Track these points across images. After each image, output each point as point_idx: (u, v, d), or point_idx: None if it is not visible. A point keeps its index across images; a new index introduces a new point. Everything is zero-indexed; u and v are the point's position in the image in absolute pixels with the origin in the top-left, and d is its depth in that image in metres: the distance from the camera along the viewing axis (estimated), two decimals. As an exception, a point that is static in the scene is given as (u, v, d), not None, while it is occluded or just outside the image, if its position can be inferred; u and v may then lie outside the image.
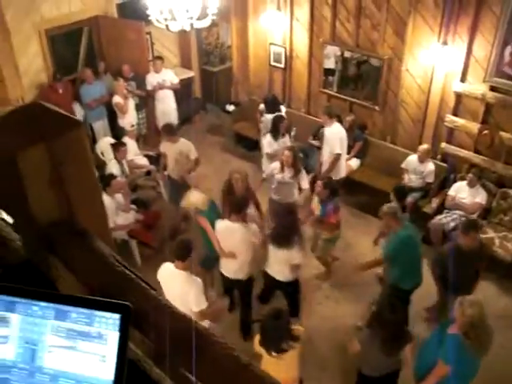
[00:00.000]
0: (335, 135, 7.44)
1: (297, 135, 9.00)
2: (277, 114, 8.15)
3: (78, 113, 8.66)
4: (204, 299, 4.75)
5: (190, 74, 10.90)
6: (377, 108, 8.46)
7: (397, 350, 4.26)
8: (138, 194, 7.87)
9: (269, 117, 8.50)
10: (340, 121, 7.80)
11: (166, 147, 7.47)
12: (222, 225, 5.54)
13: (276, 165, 6.88)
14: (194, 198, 5.90)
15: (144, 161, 8.45)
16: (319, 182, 6.38)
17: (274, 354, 4.19)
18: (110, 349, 1.02)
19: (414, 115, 8.11)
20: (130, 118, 8.68)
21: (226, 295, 6.29)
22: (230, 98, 10.92)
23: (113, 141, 8.31)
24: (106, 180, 6.69)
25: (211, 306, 4.98)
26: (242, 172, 6.38)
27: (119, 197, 6.80)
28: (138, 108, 9.30)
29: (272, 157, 7.49)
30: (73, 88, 8.81)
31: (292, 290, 6.06)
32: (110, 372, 1.02)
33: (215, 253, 5.78)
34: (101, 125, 9.09)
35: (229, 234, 5.46)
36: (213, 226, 5.70)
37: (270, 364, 4.21)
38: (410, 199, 7.58)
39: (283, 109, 8.78)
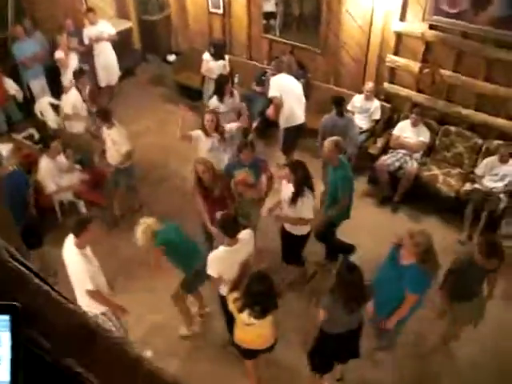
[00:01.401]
0: (275, 81, 7.31)
1: (240, 82, 8.89)
2: (221, 73, 7.95)
3: (11, 87, 8.28)
4: (88, 281, 4.58)
5: (128, 24, 10.51)
6: (318, 51, 8.39)
7: (358, 308, 4.37)
8: (81, 152, 7.66)
9: (215, 64, 8.37)
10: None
11: (104, 132, 6.85)
12: (221, 254, 4.73)
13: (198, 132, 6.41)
14: (139, 232, 5.06)
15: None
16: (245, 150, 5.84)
17: (259, 315, 4.31)
18: (3, 350, 0.99)
19: (356, 56, 8.09)
20: (71, 75, 8.33)
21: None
22: (170, 47, 10.62)
23: (52, 100, 8.02)
24: (46, 141, 6.49)
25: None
26: (205, 162, 5.63)
27: (61, 158, 6.60)
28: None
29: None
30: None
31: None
32: (5, 373, 0.99)
33: (192, 268, 5.28)
34: (38, 84, 8.73)
35: (229, 259, 4.74)
36: (174, 240, 5.17)
37: (253, 327, 4.43)
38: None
39: (226, 56, 8.61)
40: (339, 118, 6.97)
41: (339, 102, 6.99)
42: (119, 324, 5.02)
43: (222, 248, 4.73)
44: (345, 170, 5.87)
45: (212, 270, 4.71)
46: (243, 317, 4.38)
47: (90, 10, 9.03)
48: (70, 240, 4.66)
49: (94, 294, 4.65)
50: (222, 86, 7.29)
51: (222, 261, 4.70)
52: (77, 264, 4.57)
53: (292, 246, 5.97)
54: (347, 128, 6.96)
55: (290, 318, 5.72)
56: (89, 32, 8.86)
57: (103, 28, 8.99)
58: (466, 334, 5.44)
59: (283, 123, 7.41)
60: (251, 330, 4.52)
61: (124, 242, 6.64)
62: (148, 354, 5.39)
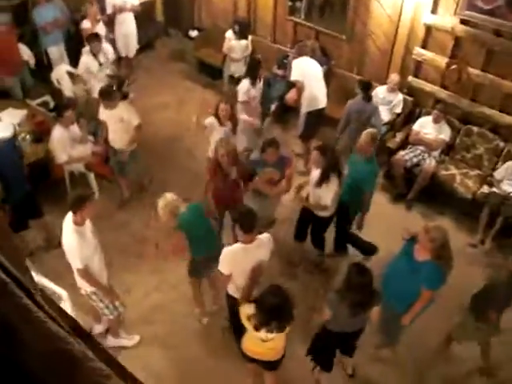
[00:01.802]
0: (297, 64, 7.13)
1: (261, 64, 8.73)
2: (254, 56, 7.77)
3: (25, 53, 8.14)
4: (78, 261, 4.49)
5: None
6: (344, 37, 8.17)
7: (363, 313, 4.29)
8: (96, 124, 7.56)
9: (237, 43, 8.23)
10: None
11: (104, 115, 6.45)
12: (235, 250, 4.48)
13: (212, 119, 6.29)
14: (163, 202, 4.88)
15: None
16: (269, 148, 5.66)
17: (277, 330, 4.10)
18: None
19: (382, 46, 7.86)
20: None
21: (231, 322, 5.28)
22: (193, 22, 10.42)
23: (70, 68, 7.90)
24: (60, 110, 6.38)
25: None
26: (227, 145, 5.50)
27: (74, 128, 6.50)
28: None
29: (245, 104, 6.92)
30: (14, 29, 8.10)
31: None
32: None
33: (201, 255, 5.14)
34: (57, 50, 8.60)
35: (243, 257, 4.48)
36: (195, 226, 4.92)
37: (266, 342, 4.23)
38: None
39: (249, 37, 8.44)
40: (366, 103, 6.83)
41: (367, 87, 6.85)
42: (112, 305, 4.94)
43: (237, 245, 4.48)
44: (375, 164, 5.84)
45: (223, 267, 4.46)
46: (260, 334, 4.15)
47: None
48: (69, 215, 4.56)
49: (83, 274, 4.57)
50: (255, 69, 7.05)
51: (235, 258, 4.44)
52: (69, 241, 4.49)
53: (314, 227, 6.04)
54: (372, 114, 6.83)
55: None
56: (112, 0, 8.68)
57: None
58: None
59: (305, 107, 7.24)
60: (265, 345, 4.29)
61: (135, 218, 6.62)
62: (136, 338, 5.38)
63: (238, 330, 4.71)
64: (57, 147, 6.26)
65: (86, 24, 8.23)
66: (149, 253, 6.27)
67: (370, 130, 5.76)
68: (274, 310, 3.98)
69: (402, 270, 4.63)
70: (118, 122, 6.33)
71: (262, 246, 4.51)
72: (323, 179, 5.38)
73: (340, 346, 4.88)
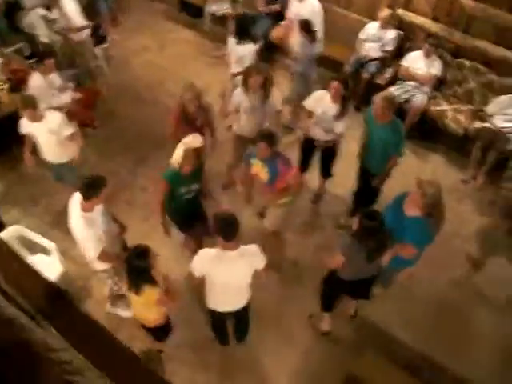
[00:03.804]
0: (311, 12, 6.71)
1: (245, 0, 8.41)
2: (243, 12, 7.35)
3: None
4: (92, 251, 4.24)
5: None
6: (330, -30, 7.83)
7: (379, 256, 4.18)
8: (75, 68, 7.27)
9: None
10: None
11: (29, 128, 5.37)
12: (211, 254, 3.92)
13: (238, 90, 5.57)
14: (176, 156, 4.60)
15: (81, 21, 7.34)
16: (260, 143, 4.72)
17: (133, 292, 3.85)
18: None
19: (371, -22, 7.55)
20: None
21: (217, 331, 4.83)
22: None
23: (45, 12, 7.49)
24: (41, 57, 6.07)
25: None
26: (194, 89, 5.19)
27: (54, 76, 6.21)
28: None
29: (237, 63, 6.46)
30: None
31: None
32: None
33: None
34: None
35: (219, 265, 3.92)
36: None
37: (134, 302, 4.02)
38: (365, 75, 7.32)
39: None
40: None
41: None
42: (120, 282, 4.74)
43: (215, 249, 3.89)
44: (398, 127, 5.22)
45: (194, 267, 3.96)
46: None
47: None
48: (76, 197, 4.23)
49: (101, 259, 4.32)
50: (244, 26, 6.51)
51: (209, 262, 3.90)
52: (79, 230, 4.19)
53: (327, 157, 5.93)
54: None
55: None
56: None
57: None
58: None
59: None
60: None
61: (122, 168, 6.48)
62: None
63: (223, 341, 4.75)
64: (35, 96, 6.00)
65: None
66: (138, 201, 6.17)
67: (384, 93, 5.30)
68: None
69: (390, 223, 4.34)
70: (48, 134, 5.34)
71: (245, 256, 3.89)
72: (345, 111, 5.32)
73: (351, 292, 4.83)
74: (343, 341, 5.11)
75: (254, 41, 6.49)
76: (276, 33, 7.20)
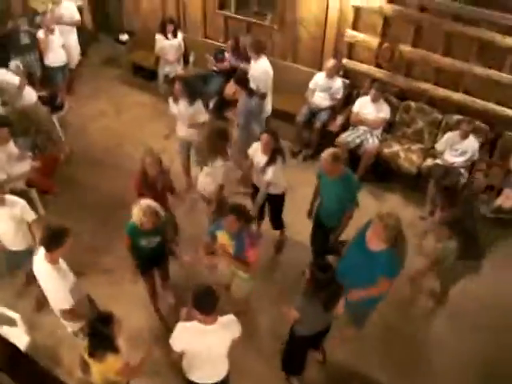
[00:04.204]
0: (262, 73, 6.90)
1: (196, 61, 8.68)
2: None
3: None
4: (66, 302, 4.24)
5: (78, 2, 10.04)
6: (275, 27, 8.18)
7: (335, 305, 4.24)
8: (32, 138, 7.32)
9: (169, 44, 8.14)
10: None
11: None
12: (190, 329, 3.83)
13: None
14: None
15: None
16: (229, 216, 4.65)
17: (94, 359, 3.78)
18: None
19: (314, 32, 7.90)
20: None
21: None
22: (122, 27, 10.23)
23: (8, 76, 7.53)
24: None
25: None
26: (153, 154, 5.31)
27: (10, 145, 6.26)
28: (30, 48, 8.43)
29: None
30: None
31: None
32: None
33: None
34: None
35: (199, 340, 3.82)
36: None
37: (94, 368, 3.93)
38: (317, 124, 7.55)
39: (180, 35, 8.34)
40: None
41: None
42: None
43: (193, 323, 3.80)
44: (350, 182, 5.27)
45: (174, 342, 3.85)
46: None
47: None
48: (40, 253, 4.21)
49: (72, 314, 4.30)
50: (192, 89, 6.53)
51: (188, 337, 3.82)
52: (51, 284, 4.19)
53: (275, 207, 6.07)
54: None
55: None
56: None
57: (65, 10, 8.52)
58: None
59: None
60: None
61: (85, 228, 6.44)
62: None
63: None
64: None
65: (39, 34, 8.04)
66: (102, 264, 6.14)
67: (331, 149, 5.17)
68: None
69: (356, 261, 4.53)
70: (8, 221, 5.08)
71: (224, 328, 3.84)
72: (272, 161, 5.50)
73: (312, 345, 4.89)
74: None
75: (204, 100, 6.72)
76: (229, 89, 7.43)
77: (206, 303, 3.69)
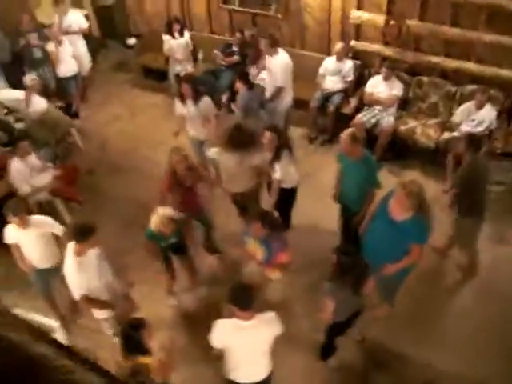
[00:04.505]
0: (279, 66, 6.96)
1: (205, 57, 8.73)
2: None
3: None
4: (76, 292, 4.38)
5: (83, 12, 10.16)
6: (280, 16, 8.19)
7: (363, 287, 4.28)
8: (53, 148, 7.45)
9: (176, 43, 8.20)
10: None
11: (16, 237, 5.10)
12: (228, 325, 3.86)
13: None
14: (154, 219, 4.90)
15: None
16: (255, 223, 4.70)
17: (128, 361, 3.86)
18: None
19: (319, 17, 7.91)
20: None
21: None
22: (129, 31, 10.32)
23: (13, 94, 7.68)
24: (14, 142, 6.26)
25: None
26: (181, 152, 5.40)
27: (32, 157, 6.39)
28: (43, 61, 8.47)
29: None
30: None
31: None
32: None
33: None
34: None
35: (237, 336, 3.84)
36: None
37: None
38: (331, 108, 7.55)
39: (186, 34, 8.38)
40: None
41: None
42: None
43: (231, 320, 3.83)
44: (369, 162, 5.30)
45: (214, 338, 3.88)
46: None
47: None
48: (70, 245, 4.41)
49: (83, 303, 4.48)
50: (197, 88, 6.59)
51: (226, 334, 3.85)
52: (68, 272, 4.37)
53: (282, 201, 5.80)
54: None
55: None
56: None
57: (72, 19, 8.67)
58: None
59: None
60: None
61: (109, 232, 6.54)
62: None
63: None
64: (16, 179, 6.15)
65: (50, 46, 8.21)
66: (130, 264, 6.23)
67: (348, 130, 5.17)
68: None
69: (382, 233, 4.54)
70: (38, 239, 5.08)
71: (263, 324, 3.84)
72: (276, 158, 5.46)
73: (348, 327, 4.87)
74: (356, 370, 5.14)
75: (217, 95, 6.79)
76: (238, 84, 7.47)
77: (243, 299, 3.72)
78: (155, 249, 5.13)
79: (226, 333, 3.84)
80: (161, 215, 4.80)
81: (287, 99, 7.25)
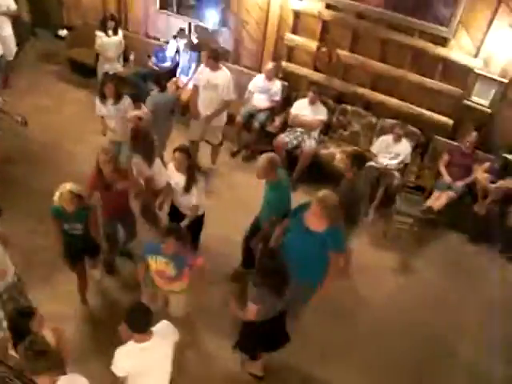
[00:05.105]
0: (227, 81, 6.82)
1: (136, 59, 8.63)
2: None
3: None
4: None
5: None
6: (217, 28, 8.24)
7: (287, 289, 4.25)
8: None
9: (109, 41, 8.09)
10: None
11: None
12: (130, 351, 3.69)
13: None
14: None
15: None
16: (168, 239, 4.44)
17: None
18: None
19: (255, 35, 8.02)
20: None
21: None
22: (62, 21, 10.05)
23: None
24: None
25: None
26: (108, 152, 5.19)
27: None
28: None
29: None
30: None
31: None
32: None
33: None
34: None
35: (142, 358, 3.70)
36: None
37: None
38: (256, 124, 7.62)
39: (120, 33, 8.27)
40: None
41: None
42: None
43: (130, 343, 3.68)
44: (283, 188, 5.28)
45: (116, 368, 3.69)
46: None
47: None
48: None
49: None
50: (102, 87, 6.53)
51: (130, 359, 3.69)
52: None
53: (193, 227, 5.58)
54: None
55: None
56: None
57: None
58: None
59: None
60: None
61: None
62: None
63: None
64: None
65: None
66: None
67: (266, 153, 5.17)
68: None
69: (302, 245, 4.59)
70: None
71: (163, 338, 3.76)
72: (192, 180, 5.28)
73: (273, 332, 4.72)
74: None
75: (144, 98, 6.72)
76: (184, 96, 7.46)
77: (140, 321, 3.61)
78: (58, 229, 4.97)
79: (127, 359, 3.69)
80: (64, 188, 4.69)
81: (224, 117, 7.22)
